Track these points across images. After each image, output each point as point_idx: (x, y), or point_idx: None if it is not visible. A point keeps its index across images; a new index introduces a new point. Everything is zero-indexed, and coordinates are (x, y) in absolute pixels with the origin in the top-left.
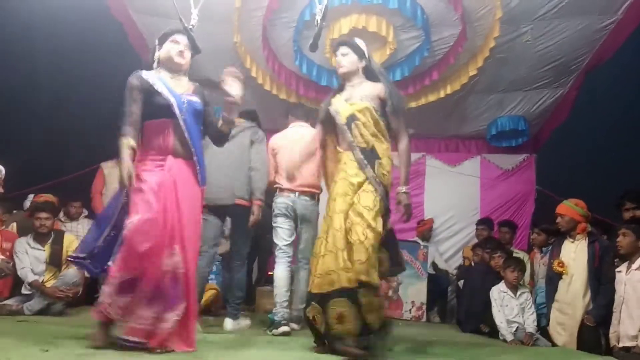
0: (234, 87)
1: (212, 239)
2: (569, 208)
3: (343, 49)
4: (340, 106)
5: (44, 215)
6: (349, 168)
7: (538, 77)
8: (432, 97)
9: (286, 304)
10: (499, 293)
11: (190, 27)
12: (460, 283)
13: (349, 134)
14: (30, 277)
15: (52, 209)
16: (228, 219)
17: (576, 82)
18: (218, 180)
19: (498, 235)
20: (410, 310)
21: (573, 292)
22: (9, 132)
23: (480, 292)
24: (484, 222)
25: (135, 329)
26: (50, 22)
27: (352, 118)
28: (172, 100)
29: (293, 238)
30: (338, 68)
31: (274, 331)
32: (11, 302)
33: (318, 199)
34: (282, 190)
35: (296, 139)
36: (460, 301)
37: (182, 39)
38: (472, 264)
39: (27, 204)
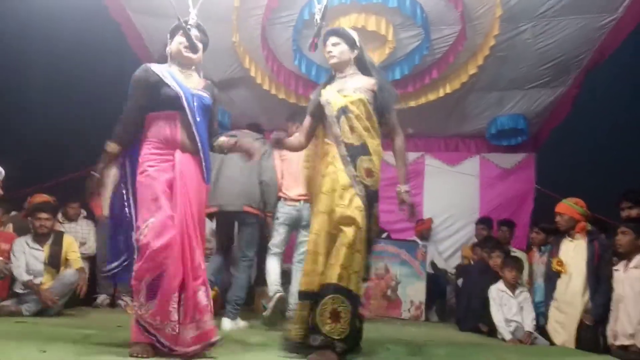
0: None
1: (219, 245)
2: (569, 207)
3: (333, 39)
4: (332, 97)
5: (44, 215)
6: (337, 162)
7: (538, 75)
8: (431, 96)
9: (278, 283)
10: (497, 292)
11: (189, 26)
12: (460, 282)
13: (337, 127)
14: (25, 277)
15: (52, 210)
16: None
17: (576, 80)
18: (229, 188)
19: (497, 234)
20: (409, 309)
21: (572, 291)
22: (7, 132)
23: (478, 291)
24: (484, 222)
25: (166, 334)
26: (49, 23)
27: (343, 110)
28: (181, 93)
29: (287, 244)
30: (329, 58)
31: (269, 304)
32: (9, 303)
33: None
34: (286, 199)
35: None
36: (459, 300)
37: (193, 32)
38: (472, 263)
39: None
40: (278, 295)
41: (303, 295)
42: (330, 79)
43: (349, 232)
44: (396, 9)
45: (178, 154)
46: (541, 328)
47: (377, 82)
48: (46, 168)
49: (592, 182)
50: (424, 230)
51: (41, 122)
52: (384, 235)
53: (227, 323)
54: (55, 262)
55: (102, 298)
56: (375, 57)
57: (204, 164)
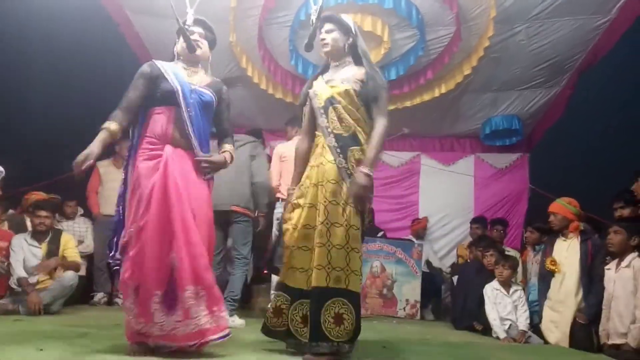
0: None
1: (216, 247)
2: (562, 206)
3: (327, 26)
4: (320, 88)
5: (43, 213)
6: (327, 154)
7: (532, 76)
8: (426, 97)
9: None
10: (492, 290)
11: (186, 26)
12: (455, 281)
13: (324, 118)
14: (21, 273)
15: (52, 208)
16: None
17: (570, 81)
18: (218, 188)
19: (490, 233)
20: (404, 308)
21: (565, 290)
22: (6, 132)
23: (473, 290)
24: (479, 221)
25: (155, 335)
26: (48, 23)
27: (330, 101)
28: (177, 87)
29: None
30: (322, 46)
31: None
32: (7, 301)
33: None
34: (284, 200)
35: None
36: (454, 299)
37: (197, 29)
38: (467, 262)
39: None
40: None
41: (284, 288)
42: (324, 69)
43: (339, 231)
44: (392, 10)
45: (168, 148)
46: (535, 327)
47: (366, 72)
48: (45, 167)
49: (585, 182)
50: (420, 230)
51: (40, 121)
52: (380, 234)
53: None
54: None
55: (99, 296)
56: (372, 57)
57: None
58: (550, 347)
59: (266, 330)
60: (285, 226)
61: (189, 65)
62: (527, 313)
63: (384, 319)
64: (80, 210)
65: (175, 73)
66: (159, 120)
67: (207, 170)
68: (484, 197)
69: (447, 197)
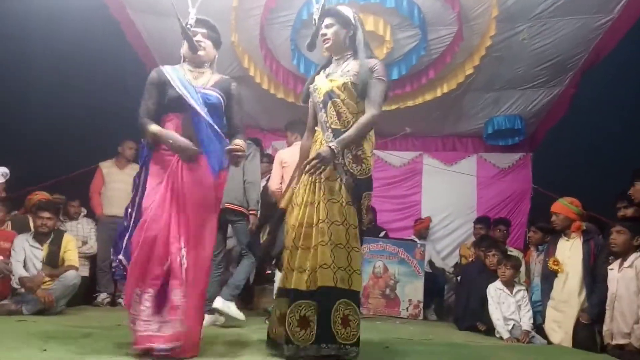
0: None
1: (215, 247)
2: (564, 206)
3: (327, 20)
4: (320, 82)
5: (46, 215)
6: None
7: (534, 75)
8: (429, 96)
9: None
10: (495, 290)
11: (188, 26)
12: (458, 281)
13: (323, 112)
14: (22, 273)
15: (55, 209)
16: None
17: (572, 80)
18: None
19: (493, 233)
20: (407, 308)
21: (568, 290)
22: (8, 132)
23: (476, 290)
24: (482, 221)
25: (144, 336)
26: (48, 22)
27: (329, 95)
28: (184, 92)
29: None
30: (323, 42)
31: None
32: (10, 302)
33: None
34: None
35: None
36: (457, 299)
37: (199, 29)
38: (470, 262)
39: None
40: None
41: (284, 292)
42: (327, 64)
43: (340, 230)
44: (394, 10)
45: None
46: (538, 327)
47: (360, 62)
48: (47, 168)
49: (588, 181)
50: (422, 229)
51: (42, 122)
52: (382, 234)
53: (218, 301)
54: (53, 261)
55: (102, 297)
56: None
57: (209, 162)
58: (554, 347)
59: (272, 344)
60: (286, 227)
61: (195, 66)
62: (531, 313)
63: (386, 319)
64: (84, 211)
65: (180, 78)
66: (170, 128)
67: (237, 159)
68: (486, 197)
69: (449, 197)
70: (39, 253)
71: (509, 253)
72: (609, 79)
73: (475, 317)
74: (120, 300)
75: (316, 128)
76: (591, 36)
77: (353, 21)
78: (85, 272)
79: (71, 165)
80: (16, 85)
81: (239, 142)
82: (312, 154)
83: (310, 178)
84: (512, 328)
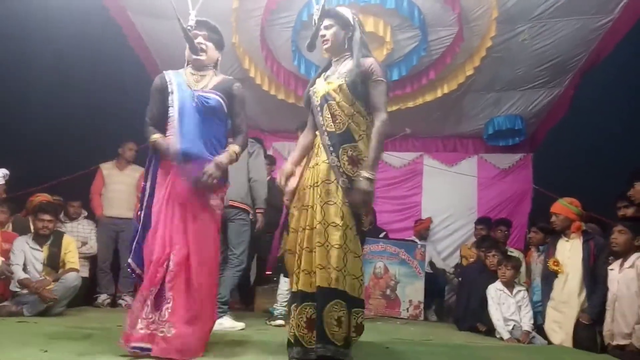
0: None
1: None
2: (564, 207)
3: (326, 21)
4: (318, 85)
5: (47, 217)
6: (321, 153)
7: (535, 76)
8: (429, 97)
9: (285, 303)
10: (495, 291)
11: (189, 27)
12: (459, 280)
13: (319, 116)
14: (21, 275)
15: (55, 211)
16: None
17: (572, 81)
18: None
19: (493, 234)
20: (407, 309)
21: (568, 291)
22: (8, 133)
23: (476, 290)
24: (483, 222)
25: (139, 335)
26: (48, 23)
27: (325, 98)
28: (174, 98)
29: None
30: (322, 43)
31: (272, 322)
32: (11, 303)
33: None
34: None
35: None
36: (457, 300)
37: (200, 32)
38: (474, 262)
39: None
40: (278, 322)
41: (293, 296)
42: (327, 66)
43: (335, 232)
44: (394, 11)
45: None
46: (539, 327)
47: (354, 62)
48: (48, 169)
49: (589, 181)
50: (422, 230)
51: (42, 123)
52: (382, 234)
53: None
54: (53, 263)
55: (103, 298)
56: None
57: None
58: (554, 347)
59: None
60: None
61: (197, 69)
62: (531, 313)
63: (387, 320)
64: (84, 213)
65: (179, 83)
66: (171, 132)
67: (208, 182)
68: (487, 198)
69: (450, 197)
70: (40, 255)
71: (509, 254)
72: (609, 79)
73: (475, 318)
74: (120, 301)
75: (316, 132)
76: (591, 37)
77: (352, 22)
78: (85, 273)
79: (71, 167)
80: (16, 86)
81: (231, 149)
82: (311, 159)
83: (310, 181)
84: (513, 329)
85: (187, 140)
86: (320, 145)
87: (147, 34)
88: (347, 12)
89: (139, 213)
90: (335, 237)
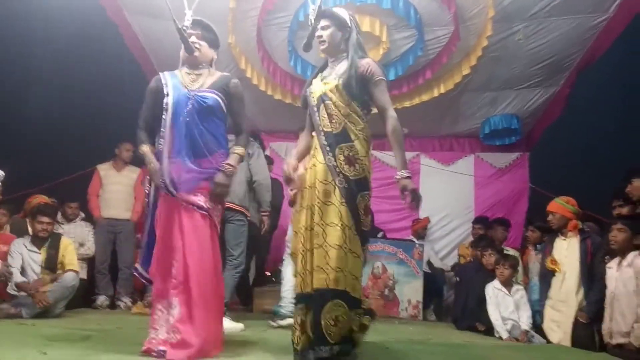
0: None
1: None
2: (560, 206)
3: (322, 22)
4: (315, 86)
5: (46, 219)
6: (318, 154)
7: (531, 75)
8: (425, 97)
9: (293, 300)
10: (493, 290)
11: (184, 27)
12: (457, 280)
13: (316, 116)
14: (18, 278)
15: (53, 213)
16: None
17: (568, 80)
18: None
19: (491, 233)
20: (406, 308)
21: (566, 289)
22: (6, 135)
23: (473, 289)
24: (480, 221)
25: (162, 339)
26: (47, 25)
27: (322, 99)
28: (169, 103)
29: None
30: (319, 44)
31: (279, 322)
32: (9, 305)
33: None
34: None
35: None
36: (456, 299)
37: (194, 31)
38: (471, 261)
39: None
40: (287, 322)
41: (297, 298)
42: (324, 66)
43: (334, 232)
44: (390, 10)
45: (177, 161)
46: (537, 326)
47: (350, 62)
48: (46, 170)
49: (585, 180)
50: (420, 229)
51: (40, 124)
52: (380, 234)
53: None
54: (51, 265)
55: (101, 299)
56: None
57: (205, 165)
58: (553, 346)
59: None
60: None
61: (192, 68)
62: (529, 312)
63: (385, 319)
64: (82, 214)
65: (175, 85)
66: (169, 134)
67: (223, 193)
68: (484, 197)
69: (447, 197)
70: (37, 257)
71: (505, 252)
72: (604, 78)
73: (474, 317)
74: (119, 303)
75: (313, 133)
76: (586, 36)
77: (349, 23)
78: (83, 274)
79: (69, 168)
80: (14, 87)
81: (236, 151)
82: (309, 160)
83: (308, 181)
84: (511, 328)
85: (175, 165)
86: (318, 146)
87: (143, 33)
88: (343, 12)
89: (143, 217)
90: (334, 237)
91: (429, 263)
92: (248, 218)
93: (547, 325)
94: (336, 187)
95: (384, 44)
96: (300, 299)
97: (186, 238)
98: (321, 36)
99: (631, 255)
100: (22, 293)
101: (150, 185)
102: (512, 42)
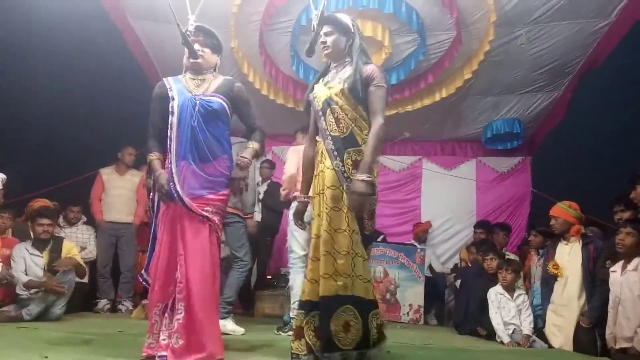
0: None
1: None
2: (563, 210)
3: (325, 28)
4: (319, 91)
5: (45, 221)
6: (325, 159)
7: (533, 80)
8: (427, 101)
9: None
10: (495, 295)
11: (188, 32)
12: (458, 283)
13: (322, 120)
14: (24, 279)
15: (53, 215)
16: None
17: (570, 84)
18: None
19: (492, 238)
20: (407, 313)
21: (568, 294)
22: (8, 138)
23: (474, 294)
24: (482, 226)
25: (163, 345)
26: (49, 29)
27: (327, 103)
28: (175, 106)
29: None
30: (322, 50)
31: (290, 333)
32: (10, 308)
33: None
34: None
35: None
36: (457, 303)
37: (197, 37)
38: (469, 265)
39: None
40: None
41: (301, 304)
42: (325, 71)
43: (343, 238)
44: (392, 15)
45: (182, 165)
46: (539, 331)
47: (354, 67)
48: (48, 173)
49: (587, 184)
50: (420, 233)
51: (43, 128)
52: (380, 237)
53: None
54: (53, 268)
55: (102, 303)
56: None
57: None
58: (554, 351)
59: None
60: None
61: (196, 74)
62: (531, 317)
63: (387, 324)
64: (84, 218)
65: (179, 89)
66: (174, 138)
67: (241, 185)
68: (486, 201)
69: (449, 201)
70: (40, 260)
71: (507, 257)
72: (606, 82)
73: (475, 322)
74: (120, 306)
75: (317, 138)
76: (589, 40)
77: (352, 28)
78: (84, 278)
79: (72, 171)
80: (18, 91)
81: (249, 146)
82: (316, 166)
83: (317, 188)
84: (513, 332)
85: (180, 169)
86: (324, 152)
87: (146, 38)
88: (346, 18)
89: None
90: (343, 243)
91: (431, 267)
92: (245, 217)
93: (548, 330)
94: (344, 192)
95: (386, 48)
96: (313, 306)
97: (188, 244)
98: (325, 42)
99: (636, 260)
100: (32, 291)
101: (152, 191)
102: (514, 47)
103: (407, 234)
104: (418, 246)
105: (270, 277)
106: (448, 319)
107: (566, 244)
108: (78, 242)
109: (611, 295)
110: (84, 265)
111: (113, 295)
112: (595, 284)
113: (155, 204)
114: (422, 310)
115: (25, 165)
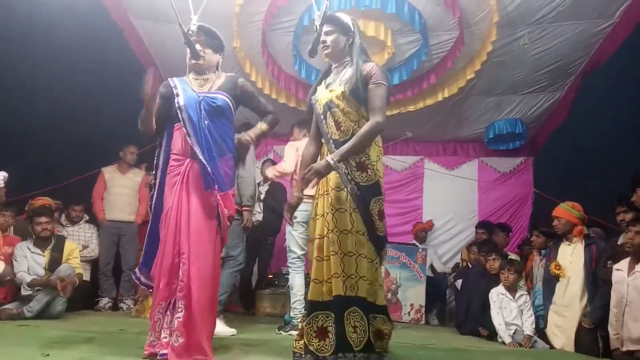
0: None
1: None
2: (565, 211)
3: (326, 27)
4: (320, 93)
5: (44, 219)
6: None
7: (535, 80)
8: (430, 101)
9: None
10: (497, 295)
11: (190, 32)
12: (458, 283)
13: (323, 124)
14: (28, 278)
15: (51, 212)
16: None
17: (573, 85)
18: None
19: (495, 238)
20: (409, 313)
21: (570, 295)
22: (10, 137)
23: (476, 294)
24: (484, 226)
25: (153, 344)
26: (50, 28)
27: (328, 106)
28: (181, 102)
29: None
30: (322, 49)
31: (291, 332)
32: (11, 306)
33: None
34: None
35: None
36: (458, 303)
37: (198, 38)
38: (471, 265)
39: None
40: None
41: (310, 305)
42: (326, 72)
43: (348, 239)
44: (394, 15)
45: (187, 162)
46: (541, 331)
47: (355, 68)
48: (50, 172)
49: (590, 185)
50: (419, 232)
51: (45, 126)
52: None
53: None
54: (55, 267)
55: (104, 301)
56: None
57: (208, 169)
58: (556, 351)
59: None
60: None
61: (198, 74)
62: (533, 318)
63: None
64: (86, 217)
65: (184, 88)
66: (179, 136)
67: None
68: (487, 201)
69: (450, 201)
70: (41, 259)
71: (510, 257)
72: (609, 83)
73: (477, 322)
74: (122, 305)
75: (322, 140)
76: (592, 41)
77: (352, 28)
78: (86, 276)
79: (74, 170)
80: (19, 89)
81: (257, 126)
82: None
83: (321, 189)
84: (514, 333)
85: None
86: (327, 154)
87: (148, 37)
88: (346, 17)
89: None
90: (348, 244)
91: (432, 267)
92: (242, 209)
93: (550, 331)
94: (348, 194)
95: (388, 48)
96: (315, 307)
97: (192, 243)
98: (325, 41)
99: None
100: (37, 289)
101: (153, 188)
102: (517, 47)
103: (408, 234)
104: (420, 246)
105: (271, 276)
106: (449, 319)
107: (569, 245)
108: (80, 241)
109: (615, 294)
110: (80, 272)
111: (114, 293)
112: (597, 284)
113: (155, 202)
114: (423, 310)
115: (27, 163)
